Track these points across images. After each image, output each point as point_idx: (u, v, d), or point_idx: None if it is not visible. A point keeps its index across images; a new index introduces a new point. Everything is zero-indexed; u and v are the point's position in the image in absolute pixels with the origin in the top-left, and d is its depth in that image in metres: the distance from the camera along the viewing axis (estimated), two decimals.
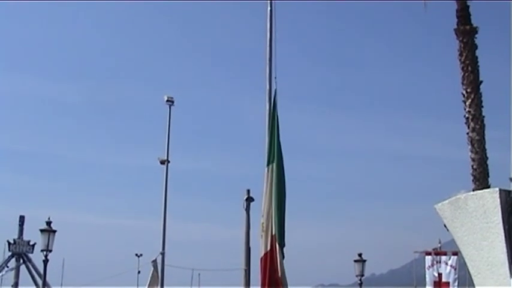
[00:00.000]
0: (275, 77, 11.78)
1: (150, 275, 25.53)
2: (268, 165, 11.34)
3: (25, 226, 49.51)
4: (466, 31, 24.08)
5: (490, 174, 22.89)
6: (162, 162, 28.27)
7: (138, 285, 44.18)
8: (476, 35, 24.23)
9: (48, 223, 27.07)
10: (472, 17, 24.44)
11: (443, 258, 35.20)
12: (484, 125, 23.27)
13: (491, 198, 7.53)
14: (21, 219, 52.98)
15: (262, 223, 11.22)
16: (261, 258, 11.21)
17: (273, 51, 11.98)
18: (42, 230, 27.03)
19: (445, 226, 8.33)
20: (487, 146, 23.13)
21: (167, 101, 28.67)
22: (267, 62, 12.04)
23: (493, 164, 22.92)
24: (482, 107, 23.43)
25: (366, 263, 36.22)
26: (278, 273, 10.99)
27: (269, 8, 12.15)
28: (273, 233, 11.03)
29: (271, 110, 11.56)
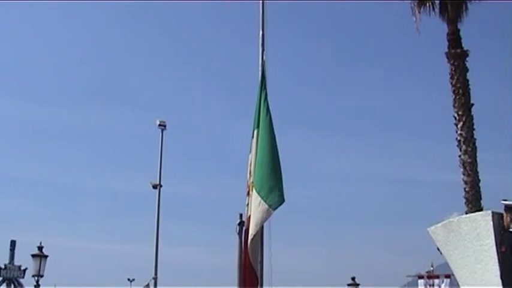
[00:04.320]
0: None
1: None
2: (253, 130, 11.59)
3: (16, 251, 49.08)
4: (457, 54, 24.21)
5: (482, 196, 22.90)
6: (155, 187, 28.17)
7: None
8: (467, 58, 24.38)
9: (40, 248, 26.90)
10: (463, 41, 24.63)
11: (436, 281, 35.15)
12: (475, 148, 23.30)
13: (483, 221, 7.53)
14: (13, 244, 52.40)
15: (252, 182, 11.21)
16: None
17: (266, 75, 12.04)
18: (33, 255, 26.84)
19: (438, 249, 8.32)
20: (478, 168, 23.16)
21: (159, 125, 28.64)
22: (259, 88, 12.07)
23: (485, 186, 22.93)
24: (474, 129, 23.47)
25: (359, 287, 36.08)
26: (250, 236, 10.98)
27: (261, 33, 12.21)
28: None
29: (260, 79, 11.82)
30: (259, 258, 11.21)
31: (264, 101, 11.65)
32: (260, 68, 11.98)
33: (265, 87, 11.79)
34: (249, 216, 11.14)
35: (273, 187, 10.95)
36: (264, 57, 12.03)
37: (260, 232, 11.21)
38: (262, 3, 12.45)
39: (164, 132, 28.73)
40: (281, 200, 10.91)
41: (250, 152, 11.59)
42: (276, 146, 11.33)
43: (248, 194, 11.32)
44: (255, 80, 12.12)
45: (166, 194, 29.09)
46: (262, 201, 10.88)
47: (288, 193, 11.20)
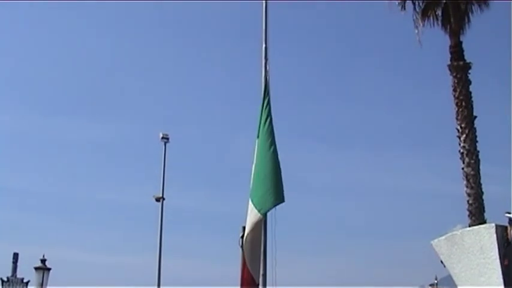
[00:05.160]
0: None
1: None
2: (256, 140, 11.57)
3: (19, 263, 49.02)
4: (460, 67, 24.23)
5: (485, 209, 22.85)
6: (158, 200, 28.15)
7: None
8: (470, 71, 24.41)
9: (43, 261, 26.85)
10: (465, 53, 24.67)
11: None
12: (478, 160, 23.27)
13: (487, 233, 7.50)
14: (15, 256, 52.32)
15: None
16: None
17: (268, 87, 12.06)
18: (36, 268, 26.80)
19: (441, 262, 8.30)
20: (482, 181, 23.12)
21: (162, 138, 28.65)
22: (262, 98, 12.09)
23: (488, 199, 22.87)
24: (476, 142, 23.45)
25: None
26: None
27: (264, 46, 12.24)
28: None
29: (263, 88, 11.87)
30: (261, 272, 11.16)
31: (266, 107, 11.65)
32: (263, 78, 11.99)
33: (268, 94, 11.79)
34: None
35: (264, 193, 10.87)
36: (268, 67, 12.04)
37: (261, 244, 11.17)
38: (266, 15, 12.47)
39: (167, 145, 28.78)
40: (271, 205, 10.77)
41: (254, 162, 11.58)
42: (274, 151, 11.23)
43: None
44: (258, 92, 12.12)
45: (169, 206, 28.96)
46: (253, 207, 10.87)
47: (292, 206, 11.19)
